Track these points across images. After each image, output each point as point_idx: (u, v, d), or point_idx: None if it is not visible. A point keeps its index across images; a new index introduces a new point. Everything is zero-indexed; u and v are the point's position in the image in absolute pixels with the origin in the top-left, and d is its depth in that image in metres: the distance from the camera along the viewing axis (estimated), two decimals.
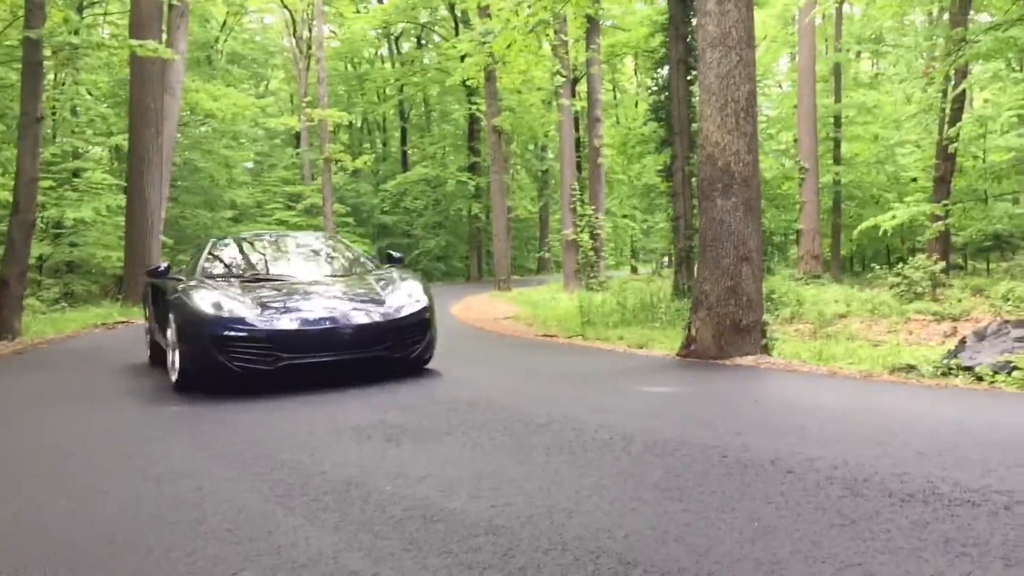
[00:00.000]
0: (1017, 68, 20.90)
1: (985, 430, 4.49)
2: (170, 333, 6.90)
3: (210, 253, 8.10)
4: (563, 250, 23.01)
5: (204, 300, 6.56)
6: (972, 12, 17.70)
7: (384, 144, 44.10)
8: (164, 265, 8.16)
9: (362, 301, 6.95)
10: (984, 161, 21.97)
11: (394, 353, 6.78)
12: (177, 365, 6.67)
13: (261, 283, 7.29)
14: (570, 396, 6.07)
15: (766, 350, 7.71)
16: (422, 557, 2.78)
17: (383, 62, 42.55)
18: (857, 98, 28.01)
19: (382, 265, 8.31)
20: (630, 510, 3.20)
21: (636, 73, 39.87)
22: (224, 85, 29.03)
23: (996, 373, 6.17)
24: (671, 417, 5.20)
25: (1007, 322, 7.16)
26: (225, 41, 34.52)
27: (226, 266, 7.99)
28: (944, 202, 17.03)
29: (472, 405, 5.59)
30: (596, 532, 2.95)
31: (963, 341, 7.14)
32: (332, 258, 8.70)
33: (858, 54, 32.67)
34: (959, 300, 13.71)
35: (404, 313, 6.89)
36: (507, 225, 26.23)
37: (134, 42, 14.24)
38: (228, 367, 6.28)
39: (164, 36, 19.50)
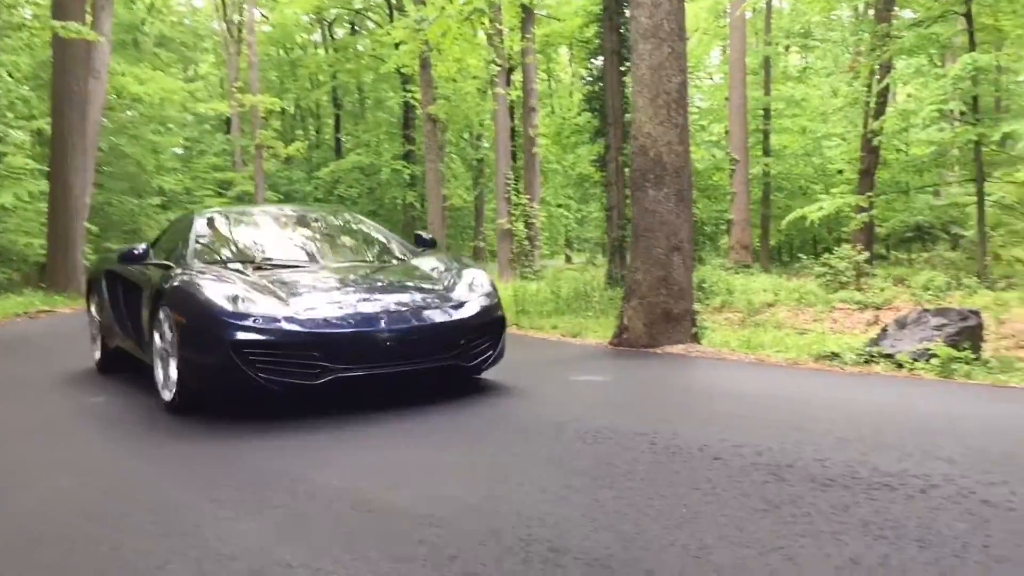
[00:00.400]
0: (939, 64, 21.52)
1: (903, 416, 4.64)
2: (160, 338, 5.34)
3: (200, 232, 6.32)
4: (498, 239, 23.02)
5: (217, 293, 5.01)
6: (896, 8, 18.16)
7: (317, 131, 43.54)
8: (142, 247, 6.21)
9: (424, 294, 5.57)
10: (907, 154, 22.60)
11: (466, 361, 5.46)
12: (173, 379, 5.13)
13: (282, 271, 5.79)
14: (503, 385, 6.10)
15: (696, 339, 7.85)
16: (356, 548, 2.78)
17: (316, 48, 41.96)
18: (786, 91, 28.56)
19: (418, 249, 6.79)
20: (561, 498, 3.23)
21: (571, 63, 40.00)
22: (151, 69, 28.32)
23: (915, 360, 6.38)
24: (602, 405, 5.27)
25: (926, 311, 7.39)
26: (152, 23, 33.65)
27: (227, 249, 6.30)
28: (868, 194, 17.48)
29: (404, 395, 5.57)
30: (528, 520, 2.98)
31: (885, 329, 7.36)
32: (358, 239, 7.05)
33: (787, 48, 33.27)
34: (882, 289, 14.10)
35: (477, 310, 5.53)
36: (442, 214, 26.14)
37: (57, 23, 13.82)
38: (253, 381, 4.81)
39: (88, 17, 18.93)
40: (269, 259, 6.07)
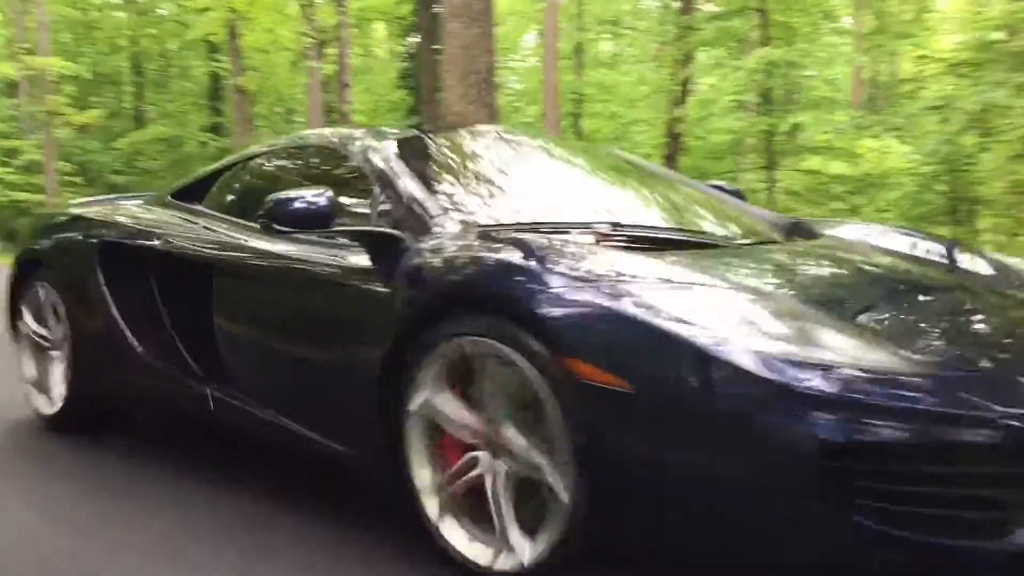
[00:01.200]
0: (738, 56, 22.76)
1: None
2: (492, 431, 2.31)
3: (408, 163, 3.01)
4: None
5: (718, 310, 2.10)
6: (700, 1, 19.05)
7: (117, 99, 41.08)
8: (325, 196, 2.72)
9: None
10: (707, 141, 23.81)
11: None
12: (569, 503, 2.11)
13: (674, 255, 2.61)
14: None
15: None
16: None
17: (115, 10, 39.52)
18: (597, 77, 29.39)
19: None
20: None
21: (388, 40, 39.61)
22: None
23: None
24: None
25: None
26: None
27: (498, 203, 3.13)
28: None
29: None
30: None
31: None
32: (688, 193, 3.69)
33: (599, 34, 34.24)
34: None
35: None
36: None
37: None
38: (857, 541, 1.88)
39: None
40: (618, 225, 2.88)
